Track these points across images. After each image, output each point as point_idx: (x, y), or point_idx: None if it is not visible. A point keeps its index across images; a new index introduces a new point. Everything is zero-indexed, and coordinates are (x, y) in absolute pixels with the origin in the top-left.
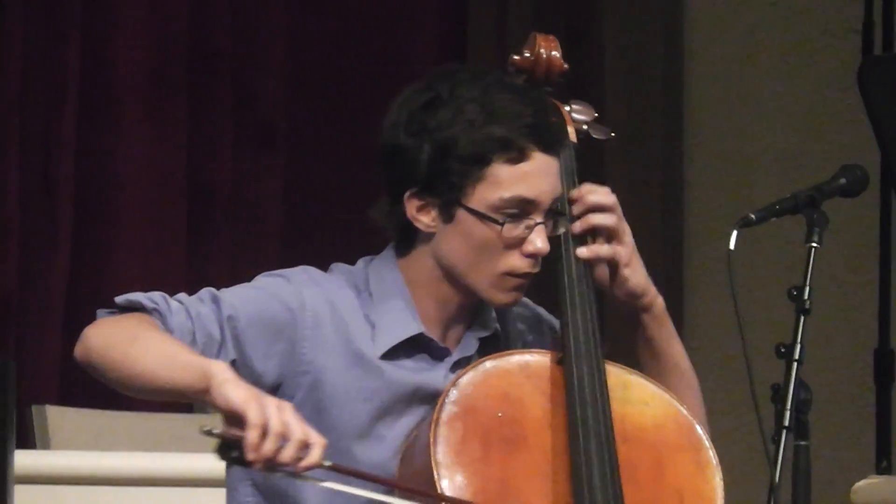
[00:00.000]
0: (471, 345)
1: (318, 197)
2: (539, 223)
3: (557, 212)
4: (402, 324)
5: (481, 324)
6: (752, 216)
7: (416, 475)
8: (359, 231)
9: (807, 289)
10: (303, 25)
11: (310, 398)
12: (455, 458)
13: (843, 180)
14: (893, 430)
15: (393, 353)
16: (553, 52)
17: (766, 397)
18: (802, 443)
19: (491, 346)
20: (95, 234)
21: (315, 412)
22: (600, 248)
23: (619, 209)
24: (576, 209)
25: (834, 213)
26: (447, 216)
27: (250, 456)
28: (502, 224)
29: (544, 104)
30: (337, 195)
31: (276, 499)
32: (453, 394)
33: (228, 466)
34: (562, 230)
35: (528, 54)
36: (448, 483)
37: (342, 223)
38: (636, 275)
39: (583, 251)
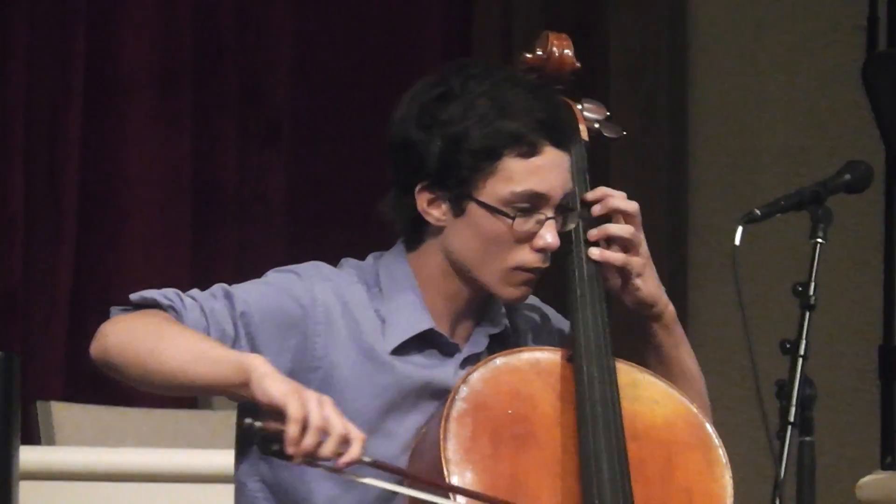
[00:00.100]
0: (480, 341)
1: (322, 193)
2: (550, 218)
3: (568, 207)
4: (413, 319)
5: (490, 320)
6: (757, 212)
7: (425, 471)
8: (363, 227)
9: (812, 285)
10: (308, 23)
11: (321, 393)
12: (465, 455)
13: (847, 176)
14: None
15: (403, 349)
16: (565, 51)
17: (770, 393)
18: (807, 439)
19: (500, 343)
20: (100, 230)
21: None
22: (612, 255)
23: (639, 217)
24: (597, 210)
25: (839, 209)
26: (458, 210)
27: (290, 450)
28: (513, 218)
29: (556, 99)
30: (342, 191)
31: (284, 494)
32: (464, 390)
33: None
34: (572, 226)
35: (540, 52)
36: (458, 479)
37: (347, 219)
38: (648, 285)
39: (594, 252)
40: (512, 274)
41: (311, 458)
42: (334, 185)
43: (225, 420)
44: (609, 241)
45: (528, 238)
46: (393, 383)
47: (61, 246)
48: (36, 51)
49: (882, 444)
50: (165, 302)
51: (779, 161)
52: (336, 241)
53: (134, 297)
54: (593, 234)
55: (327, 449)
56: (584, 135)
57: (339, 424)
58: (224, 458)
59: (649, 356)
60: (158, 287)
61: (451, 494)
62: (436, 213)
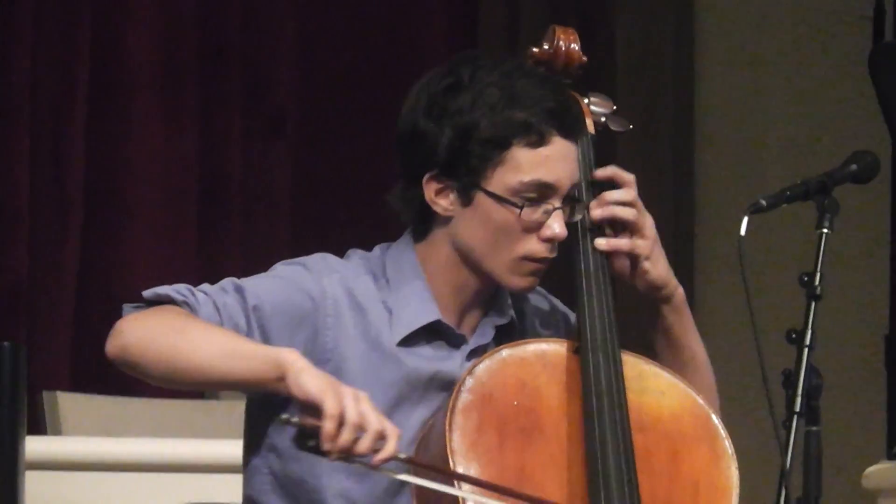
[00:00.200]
0: (487, 333)
1: (328, 188)
2: (557, 208)
3: (575, 198)
4: (420, 310)
5: (497, 311)
6: (763, 202)
7: (432, 464)
8: (369, 222)
9: (818, 275)
10: (313, 18)
11: None
12: (470, 447)
13: (854, 166)
14: None
15: (410, 340)
16: (572, 45)
17: (777, 383)
18: (813, 428)
19: (507, 334)
20: (106, 223)
21: None
22: (619, 242)
23: (640, 204)
24: (594, 207)
25: (845, 199)
26: (466, 199)
27: (327, 446)
28: (521, 208)
29: (565, 90)
30: (347, 186)
31: (293, 486)
32: (469, 382)
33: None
34: (579, 217)
35: (547, 46)
36: (463, 472)
37: (352, 214)
38: (657, 267)
39: (601, 242)
40: (519, 264)
41: (347, 455)
42: (339, 180)
43: (230, 410)
44: (614, 227)
45: (535, 228)
46: (400, 376)
47: (67, 237)
48: (41, 47)
49: (888, 434)
50: (179, 298)
51: (785, 153)
52: (341, 235)
53: (147, 293)
54: (596, 214)
55: (363, 445)
56: (591, 129)
57: (375, 421)
58: (230, 448)
59: (659, 341)
60: (165, 282)
61: (489, 492)
62: (443, 202)
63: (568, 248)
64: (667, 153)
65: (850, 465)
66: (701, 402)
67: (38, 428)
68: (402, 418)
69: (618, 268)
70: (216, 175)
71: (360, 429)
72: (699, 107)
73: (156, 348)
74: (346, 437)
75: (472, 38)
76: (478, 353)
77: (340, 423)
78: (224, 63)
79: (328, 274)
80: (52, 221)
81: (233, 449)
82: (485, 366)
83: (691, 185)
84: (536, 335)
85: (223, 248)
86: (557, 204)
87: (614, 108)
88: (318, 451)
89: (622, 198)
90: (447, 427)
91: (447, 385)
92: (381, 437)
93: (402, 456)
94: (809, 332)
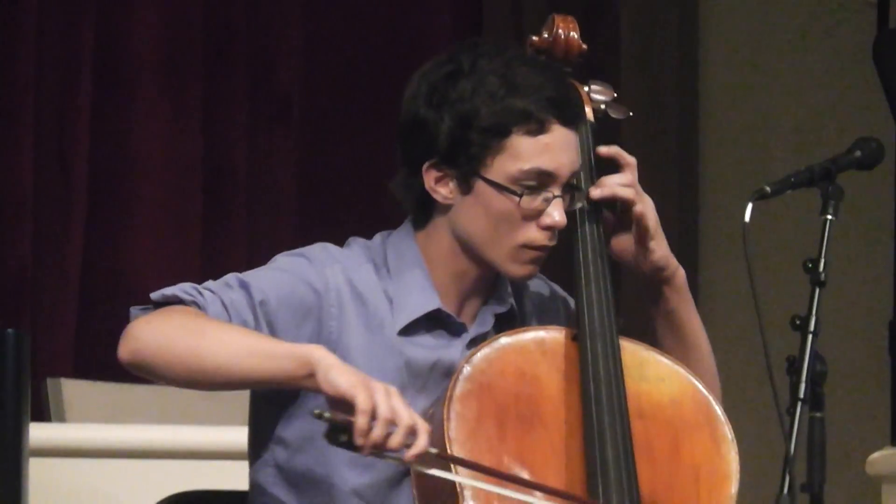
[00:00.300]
0: (487, 321)
1: (333, 179)
2: (557, 196)
3: (575, 186)
4: (420, 299)
5: (497, 299)
6: (768, 189)
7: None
8: (373, 213)
9: (822, 261)
10: (318, 10)
11: None
12: (469, 435)
13: (858, 153)
14: None
15: (411, 329)
16: (571, 33)
17: (781, 369)
18: (817, 415)
19: (506, 322)
20: (110, 212)
21: None
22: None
23: (639, 187)
24: (593, 189)
25: (849, 185)
26: (465, 188)
27: (359, 441)
28: (520, 195)
29: (565, 78)
30: (352, 177)
31: (299, 478)
32: (467, 370)
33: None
34: (579, 205)
35: (546, 35)
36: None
37: (357, 205)
38: (661, 247)
39: (595, 192)
40: (519, 251)
41: (379, 450)
42: (344, 171)
43: (235, 397)
44: (613, 210)
45: (535, 216)
46: (401, 365)
47: (71, 226)
48: (45, 38)
49: (892, 420)
50: (188, 297)
51: (789, 139)
52: (346, 227)
53: (155, 295)
54: (595, 194)
55: (395, 440)
56: (590, 116)
57: (406, 416)
58: (234, 435)
59: (661, 325)
60: (169, 273)
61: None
62: (443, 191)
63: (567, 236)
64: (671, 140)
65: (854, 452)
66: (701, 388)
67: (42, 415)
68: None
69: (619, 251)
70: (221, 165)
71: (392, 423)
72: (703, 94)
73: (174, 351)
74: (378, 431)
75: (478, 26)
76: (478, 341)
77: (372, 417)
78: (228, 57)
79: (330, 265)
80: (57, 212)
81: (237, 435)
82: (483, 354)
83: (695, 172)
84: (536, 322)
85: (227, 240)
86: (557, 192)
87: (615, 95)
88: (350, 446)
89: (622, 180)
90: (445, 415)
91: (448, 373)
92: (412, 433)
93: (433, 451)
94: (814, 319)
